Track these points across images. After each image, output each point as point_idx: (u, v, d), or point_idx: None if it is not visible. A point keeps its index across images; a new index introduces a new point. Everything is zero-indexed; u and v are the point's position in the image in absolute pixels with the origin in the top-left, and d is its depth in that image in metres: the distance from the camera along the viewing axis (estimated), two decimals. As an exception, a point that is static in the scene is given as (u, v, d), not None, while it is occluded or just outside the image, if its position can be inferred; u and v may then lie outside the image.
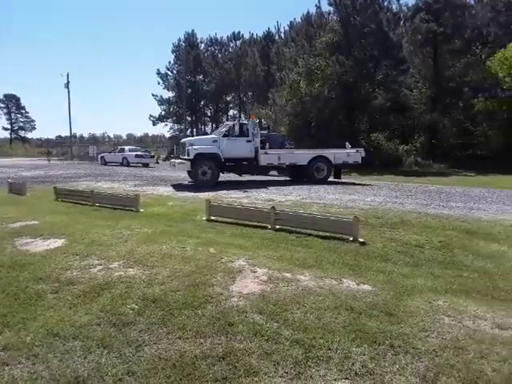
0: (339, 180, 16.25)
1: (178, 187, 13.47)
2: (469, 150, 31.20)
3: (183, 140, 15.39)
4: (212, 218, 7.50)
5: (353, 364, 2.53)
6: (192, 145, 13.90)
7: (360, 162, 15.97)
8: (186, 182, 15.23)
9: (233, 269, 4.44)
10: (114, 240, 5.79)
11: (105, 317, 3.27)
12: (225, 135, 14.45)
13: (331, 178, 16.10)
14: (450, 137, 32.52)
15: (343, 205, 9.33)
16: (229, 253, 5.10)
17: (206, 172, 13.92)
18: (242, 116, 60.98)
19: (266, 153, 15.00)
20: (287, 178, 17.03)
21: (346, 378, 2.43)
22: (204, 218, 7.50)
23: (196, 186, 13.47)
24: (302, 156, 15.50)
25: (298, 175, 16.14)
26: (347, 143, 16.76)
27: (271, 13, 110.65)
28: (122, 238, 5.89)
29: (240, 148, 14.47)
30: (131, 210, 8.40)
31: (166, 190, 12.34)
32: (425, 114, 31.22)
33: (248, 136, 14.70)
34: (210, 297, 3.61)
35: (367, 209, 8.68)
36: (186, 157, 13.80)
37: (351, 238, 5.95)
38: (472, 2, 36.80)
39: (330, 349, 2.70)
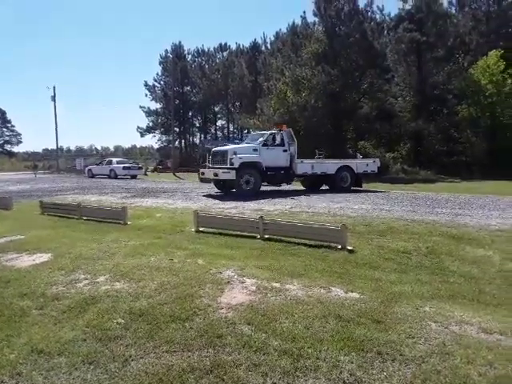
0: (360, 188, 16.80)
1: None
2: (454, 156, 31.73)
3: (220, 148, 15.26)
4: (201, 228, 7.48)
5: (341, 373, 2.53)
6: (235, 153, 13.82)
7: (376, 171, 17.11)
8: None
9: (221, 280, 4.42)
10: (101, 254, 5.73)
11: (90, 332, 3.23)
12: (264, 144, 14.58)
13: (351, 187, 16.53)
14: (436, 144, 33.08)
15: (332, 213, 9.37)
16: (217, 264, 5.08)
17: (250, 181, 13.98)
18: (231, 126, 61.33)
19: (302, 162, 15.42)
20: (297, 188, 17.04)
21: (335, 387, 2.43)
22: (193, 230, 7.47)
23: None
24: (331, 165, 16.03)
25: (316, 185, 16.31)
26: (358, 154, 17.35)
27: (257, 24, 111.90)
28: (108, 252, 5.84)
29: (278, 157, 14.74)
30: (119, 223, 8.33)
31: (155, 202, 12.26)
32: (410, 121, 31.72)
33: (284, 145, 14.97)
34: (197, 309, 3.59)
35: (355, 216, 8.74)
36: (228, 165, 13.68)
37: (340, 246, 5.98)
38: (454, 11, 37.80)
39: (318, 358, 2.70)
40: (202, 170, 15.61)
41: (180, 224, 8.13)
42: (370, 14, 31.50)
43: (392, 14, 36.17)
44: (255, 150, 14.40)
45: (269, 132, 15.46)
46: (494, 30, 35.74)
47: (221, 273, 4.70)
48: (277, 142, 14.87)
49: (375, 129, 31.26)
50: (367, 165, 17.04)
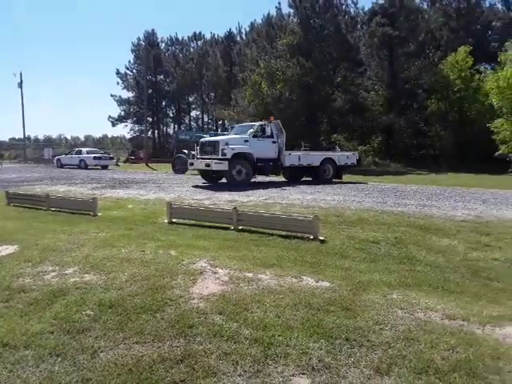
0: (341, 180, 17.31)
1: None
2: (423, 149, 32.67)
3: (210, 139, 15.37)
4: (174, 220, 7.41)
5: (310, 359, 2.59)
6: (227, 144, 13.78)
7: (356, 163, 17.91)
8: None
9: (194, 271, 4.41)
10: (70, 245, 5.59)
11: (58, 324, 3.16)
12: (254, 136, 14.68)
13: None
14: (406, 137, 33.93)
15: (305, 204, 9.48)
16: (190, 255, 5.06)
17: (241, 171, 14.14)
18: (205, 116, 60.74)
19: (289, 154, 15.68)
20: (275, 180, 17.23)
21: (303, 373, 2.48)
22: (165, 221, 7.39)
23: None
24: (316, 157, 16.46)
25: (297, 176, 16.53)
26: (337, 147, 17.86)
27: (232, 13, 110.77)
28: (78, 243, 5.70)
29: (268, 149, 14.91)
30: (89, 214, 8.14)
31: (126, 193, 12.04)
32: (382, 115, 32.36)
33: (273, 137, 15.17)
34: (169, 300, 3.57)
35: (327, 208, 8.88)
36: (220, 156, 13.68)
37: (312, 237, 6.07)
38: (425, 7, 38.60)
39: (288, 345, 2.75)
40: (190, 161, 15.53)
41: (152, 215, 8.03)
42: (344, 7, 31.83)
43: (366, 8, 36.66)
44: (246, 141, 14.47)
45: (258, 123, 15.54)
46: (464, 26, 36.83)
47: (193, 263, 4.69)
48: (267, 134, 15.03)
49: (348, 122, 31.74)
50: (347, 157, 17.72)
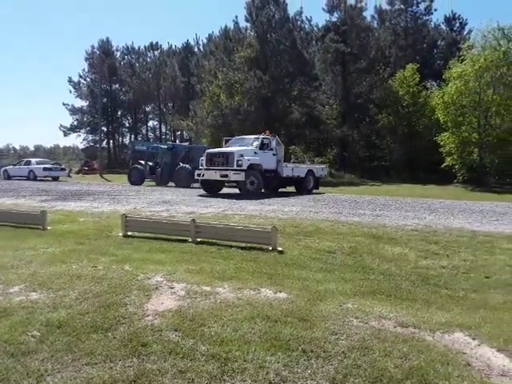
0: (317, 190, 18.47)
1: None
2: (375, 161, 34.05)
3: (221, 150, 15.83)
4: (129, 233, 7.18)
5: (267, 373, 2.56)
6: (242, 155, 14.43)
7: (326, 175, 20.37)
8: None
9: (149, 286, 4.28)
10: (16, 262, 5.25)
11: (1, 347, 2.94)
12: (261, 148, 15.48)
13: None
14: (359, 149, 35.25)
15: (263, 215, 9.54)
16: (145, 269, 4.91)
17: (254, 182, 14.88)
18: (163, 127, 59.87)
19: (286, 166, 16.69)
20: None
21: (261, 388, 2.46)
22: (120, 234, 7.15)
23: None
24: (303, 169, 17.73)
25: (275, 187, 17.01)
26: (307, 160, 18.83)
27: (189, 25, 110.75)
28: (25, 260, 5.37)
29: (270, 160, 15.84)
30: (38, 228, 7.72)
31: (79, 205, 11.55)
32: (336, 128, 33.42)
33: (273, 150, 16.08)
34: (122, 317, 3.43)
35: (285, 218, 8.98)
36: (235, 167, 14.32)
37: (270, 248, 6.10)
38: (375, 25, 40.60)
39: (245, 360, 2.71)
40: (199, 172, 15.65)
41: (106, 228, 7.74)
42: (299, 23, 32.72)
43: (320, 25, 37.93)
44: (255, 152, 15.21)
45: (261, 136, 16.19)
46: (411, 44, 39.08)
47: (149, 278, 4.55)
48: (270, 147, 16.01)
49: (305, 134, 32.47)
50: (322, 169, 19.54)
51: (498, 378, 2.58)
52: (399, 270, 5.26)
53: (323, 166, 20.24)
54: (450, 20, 42.67)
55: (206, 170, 15.21)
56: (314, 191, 18.08)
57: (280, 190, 17.69)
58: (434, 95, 28.30)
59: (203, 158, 15.57)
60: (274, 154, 16.05)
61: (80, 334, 3.14)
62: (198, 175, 15.60)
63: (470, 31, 39.05)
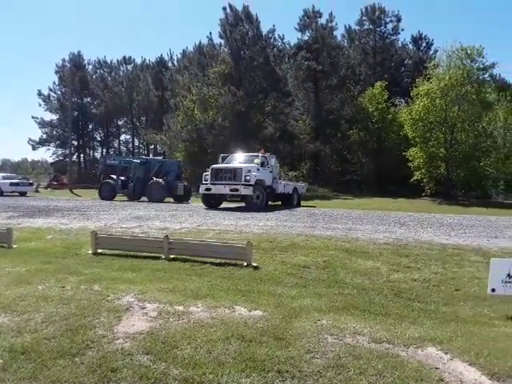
0: (300, 205, 19.28)
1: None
2: (347, 175, 34.72)
3: (227, 166, 16.29)
4: (99, 250, 6.98)
5: (242, 396, 2.51)
6: (250, 171, 15.24)
7: (305, 192, 21.38)
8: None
9: (119, 307, 4.14)
10: (-23, 284, 4.99)
11: (-41, 378, 2.75)
12: (262, 165, 16.31)
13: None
14: (332, 164, 35.92)
15: (238, 230, 9.48)
16: (116, 289, 4.75)
17: (260, 196, 15.60)
18: (136, 141, 59.10)
19: (280, 182, 17.82)
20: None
21: (236, 412, 2.39)
22: (90, 252, 6.93)
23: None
24: (290, 187, 19.04)
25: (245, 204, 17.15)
26: (283, 175, 21.45)
27: (163, 40, 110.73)
28: (-14, 281, 5.10)
29: (268, 177, 16.62)
30: (2, 247, 7.39)
31: (47, 222, 11.13)
32: (309, 143, 33.97)
33: (270, 167, 16.96)
34: (90, 341, 3.29)
35: (260, 233, 8.95)
36: (243, 182, 15.03)
37: (245, 263, 6.05)
38: (346, 44, 41.90)
39: (219, 383, 2.65)
40: (206, 186, 15.91)
41: (75, 246, 7.49)
42: (272, 40, 33.28)
43: (292, 43, 38.77)
44: (258, 169, 15.95)
45: (261, 155, 17.06)
46: (380, 63, 40.48)
47: (119, 299, 4.40)
48: (269, 164, 16.97)
49: (279, 149, 32.75)
50: (302, 187, 21.05)
51: (470, 393, 2.61)
52: (372, 284, 5.32)
53: (303, 184, 21.83)
54: (416, 40, 44.56)
55: (213, 184, 15.69)
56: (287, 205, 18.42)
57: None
58: (402, 112, 29.28)
59: (207, 173, 16.11)
60: (270, 172, 16.94)
61: (46, 360, 2.99)
62: (206, 189, 15.95)
63: (435, 51, 40.81)
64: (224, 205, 17.03)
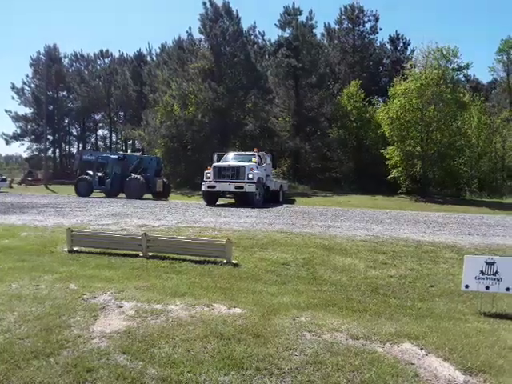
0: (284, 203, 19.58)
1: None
2: (326, 173, 35.01)
3: (230, 164, 16.89)
4: (75, 248, 6.82)
5: (220, 394, 2.51)
6: (252, 170, 15.96)
7: (288, 189, 22.36)
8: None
9: (95, 305, 4.06)
10: None
11: None
12: (259, 163, 17.02)
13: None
14: (312, 161, 36.13)
15: (218, 227, 9.45)
16: (92, 287, 4.66)
17: (260, 194, 16.36)
18: (114, 136, 58.02)
19: (271, 180, 18.53)
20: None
21: (214, 411, 2.39)
22: (65, 250, 6.77)
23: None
24: (278, 184, 19.68)
25: (246, 200, 17.12)
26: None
27: (141, 34, 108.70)
28: (-44, 280, 4.92)
29: (263, 175, 17.17)
30: (-27, 245, 7.13)
31: (21, 219, 10.83)
32: (289, 140, 34.07)
33: (264, 165, 17.71)
34: (65, 341, 3.21)
35: (240, 230, 8.95)
36: (246, 180, 15.77)
37: (225, 261, 6.04)
38: (325, 42, 42.19)
39: (197, 382, 2.62)
40: (209, 184, 16.37)
41: (50, 244, 7.30)
42: (252, 37, 33.21)
43: (272, 40, 38.75)
44: (257, 167, 16.55)
45: (257, 153, 17.79)
46: (359, 61, 40.93)
47: (95, 297, 4.32)
48: (266, 163, 18.01)
49: (259, 146, 32.75)
50: (286, 184, 22.13)
51: (444, 387, 2.68)
52: (350, 281, 5.39)
53: (285, 182, 22.98)
54: (394, 40, 45.21)
55: (217, 182, 16.27)
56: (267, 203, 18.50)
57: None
58: (380, 111, 29.71)
59: (210, 171, 16.66)
60: (264, 170, 17.61)
61: (19, 361, 2.91)
62: (209, 187, 16.43)
63: (412, 51, 41.48)
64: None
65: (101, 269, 5.66)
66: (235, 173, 16.20)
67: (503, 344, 3.37)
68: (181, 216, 11.90)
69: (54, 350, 3.07)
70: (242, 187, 15.84)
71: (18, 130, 51.88)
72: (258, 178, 16.22)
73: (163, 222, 10.25)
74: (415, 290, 5.06)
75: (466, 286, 4.36)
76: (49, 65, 46.36)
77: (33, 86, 51.60)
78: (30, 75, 51.66)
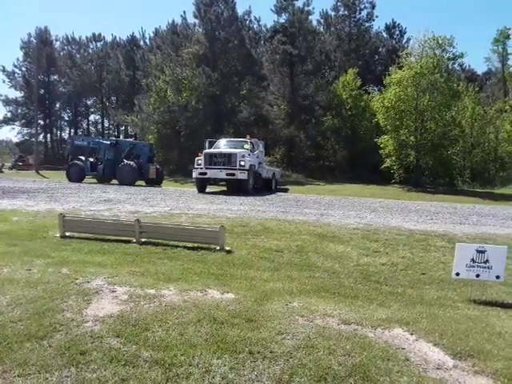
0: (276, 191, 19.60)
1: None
2: (320, 161, 35.03)
3: (222, 151, 16.71)
4: (67, 233, 6.78)
5: (213, 377, 2.52)
6: (244, 157, 15.77)
7: (281, 177, 22.53)
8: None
9: (88, 290, 4.05)
10: None
11: None
12: (251, 150, 16.90)
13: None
14: (306, 149, 36.05)
15: (211, 214, 9.44)
16: (85, 272, 4.65)
17: (253, 180, 16.45)
18: (106, 121, 57.39)
19: (264, 167, 18.47)
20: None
21: (207, 393, 2.41)
22: (57, 235, 6.72)
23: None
24: (271, 172, 19.73)
25: (238, 187, 17.17)
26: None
27: (134, 17, 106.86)
28: None
29: (256, 162, 17.17)
30: (-37, 229, 7.06)
31: (12, 204, 10.72)
32: (284, 128, 33.94)
33: (256, 152, 17.56)
34: (58, 324, 3.21)
35: (233, 218, 8.95)
36: (238, 167, 15.54)
37: (218, 247, 6.04)
38: (322, 30, 41.78)
39: (190, 365, 2.65)
40: (200, 171, 16.08)
41: (42, 229, 7.25)
42: (248, 22, 32.79)
43: (268, 26, 38.27)
44: (249, 154, 16.41)
45: (249, 140, 17.57)
46: (355, 50, 40.65)
47: (88, 282, 4.31)
48: (258, 150, 17.91)
49: (253, 133, 32.62)
50: (279, 172, 22.25)
51: (434, 372, 2.73)
52: (342, 268, 5.44)
53: (279, 170, 23.34)
54: (390, 28, 44.96)
55: (209, 169, 15.93)
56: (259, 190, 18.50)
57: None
58: (375, 100, 29.65)
59: (201, 157, 16.25)
60: (257, 157, 17.49)
61: (12, 343, 2.91)
62: (200, 174, 16.13)
63: (408, 40, 41.37)
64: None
65: (93, 254, 5.65)
66: (227, 159, 15.94)
67: (492, 330, 3.43)
68: (174, 203, 11.86)
69: (47, 333, 3.06)
70: (233, 174, 15.68)
71: (9, 114, 51.37)
72: (250, 165, 16.03)
73: (156, 209, 10.21)
74: (406, 278, 5.12)
75: (457, 274, 4.41)
76: (40, 48, 45.50)
77: (23, 69, 50.83)
78: (21, 58, 50.81)
